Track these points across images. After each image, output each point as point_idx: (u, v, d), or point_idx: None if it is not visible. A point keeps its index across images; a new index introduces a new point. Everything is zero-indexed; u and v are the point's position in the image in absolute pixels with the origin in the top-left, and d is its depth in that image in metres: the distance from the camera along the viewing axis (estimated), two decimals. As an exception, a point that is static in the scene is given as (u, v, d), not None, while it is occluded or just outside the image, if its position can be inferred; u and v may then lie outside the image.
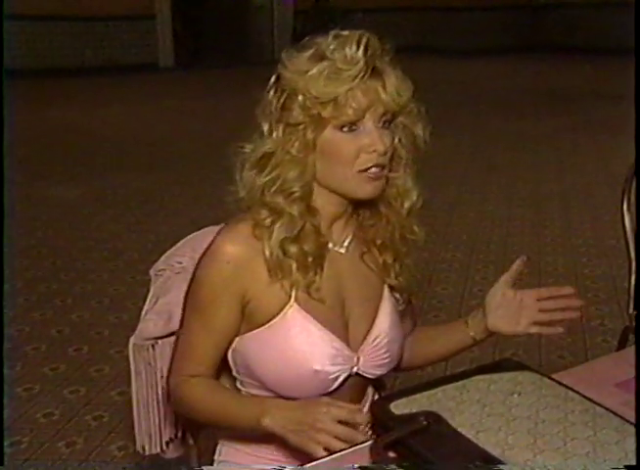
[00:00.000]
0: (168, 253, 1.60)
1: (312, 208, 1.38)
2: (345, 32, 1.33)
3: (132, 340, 1.57)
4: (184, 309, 1.45)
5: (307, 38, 1.35)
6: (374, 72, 1.31)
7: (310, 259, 1.38)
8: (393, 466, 1.13)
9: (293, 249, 1.36)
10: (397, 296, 1.51)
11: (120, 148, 7.80)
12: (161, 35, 14.56)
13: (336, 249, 1.44)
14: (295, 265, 1.37)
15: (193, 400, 1.44)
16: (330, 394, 1.42)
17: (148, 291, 1.59)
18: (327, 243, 1.42)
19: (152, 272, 1.60)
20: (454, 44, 16.33)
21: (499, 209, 5.70)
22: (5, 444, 2.68)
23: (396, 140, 1.39)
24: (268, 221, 1.36)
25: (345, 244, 1.45)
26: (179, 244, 1.59)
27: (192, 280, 1.43)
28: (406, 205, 1.43)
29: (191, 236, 1.59)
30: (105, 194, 6.18)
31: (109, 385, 3.15)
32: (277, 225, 1.36)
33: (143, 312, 1.58)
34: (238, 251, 1.37)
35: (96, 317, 3.83)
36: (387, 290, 1.49)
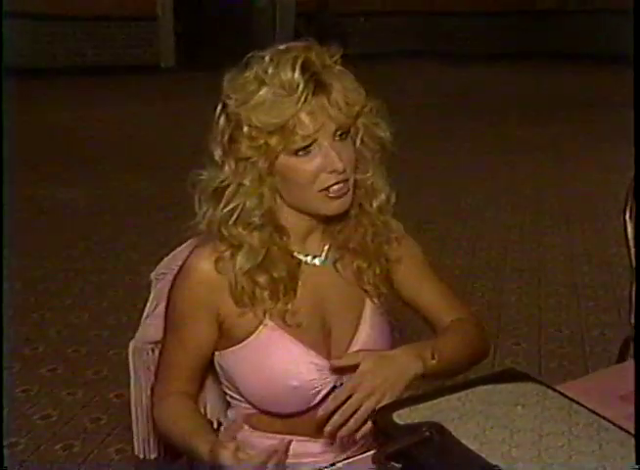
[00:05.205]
0: (169, 257, 1.59)
1: (281, 228, 1.36)
2: (282, 48, 1.29)
3: (132, 343, 1.57)
4: (164, 328, 1.45)
5: (251, 54, 1.31)
6: (318, 89, 1.26)
7: (282, 286, 1.36)
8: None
9: (261, 278, 1.34)
10: (376, 301, 1.48)
11: (122, 149, 7.79)
12: (163, 36, 14.57)
13: (312, 262, 1.42)
14: (266, 293, 1.36)
15: (161, 425, 1.43)
16: (314, 406, 1.40)
17: (147, 293, 1.58)
18: (299, 263, 1.40)
19: (153, 276, 1.59)
20: (455, 49, 16.33)
21: (499, 215, 5.69)
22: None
23: (358, 142, 1.35)
24: (228, 254, 1.35)
25: (323, 255, 1.44)
26: (180, 248, 1.58)
27: (168, 299, 1.43)
28: (375, 204, 1.41)
29: (192, 240, 1.58)
30: (105, 195, 6.17)
31: (107, 387, 3.13)
32: (238, 257, 1.34)
33: (144, 316, 1.58)
34: (210, 269, 1.36)
35: (95, 319, 3.82)
36: (367, 297, 1.47)
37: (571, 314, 3.90)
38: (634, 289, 2.34)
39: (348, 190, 1.34)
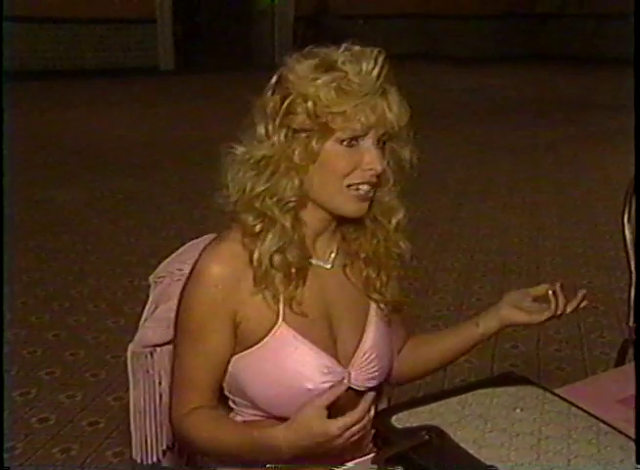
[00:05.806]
0: (169, 259, 1.58)
1: (300, 219, 1.37)
2: (358, 47, 1.32)
3: (131, 347, 1.56)
4: (175, 336, 1.43)
5: (310, 47, 1.34)
6: (382, 92, 1.31)
7: (293, 271, 1.36)
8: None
9: (277, 258, 1.35)
10: (383, 306, 1.49)
11: (120, 151, 7.79)
12: (162, 39, 14.59)
13: (321, 264, 1.43)
14: (278, 276, 1.36)
15: (200, 441, 1.39)
16: None
17: (146, 295, 1.57)
18: (310, 256, 1.40)
19: (151, 279, 1.58)
20: (454, 52, 16.35)
21: (498, 218, 5.69)
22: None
23: (385, 163, 1.38)
24: (258, 227, 1.35)
25: (331, 259, 1.44)
26: (180, 250, 1.57)
27: (179, 306, 1.40)
28: (393, 220, 1.43)
29: (192, 243, 1.57)
30: (104, 197, 6.17)
31: (105, 390, 3.13)
32: (269, 236, 1.34)
33: (142, 320, 1.57)
34: (224, 272, 1.35)
35: (93, 322, 3.81)
36: (373, 303, 1.48)
37: (569, 317, 3.88)
38: (633, 291, 2.34)
39: (370, 197, 1.36)
